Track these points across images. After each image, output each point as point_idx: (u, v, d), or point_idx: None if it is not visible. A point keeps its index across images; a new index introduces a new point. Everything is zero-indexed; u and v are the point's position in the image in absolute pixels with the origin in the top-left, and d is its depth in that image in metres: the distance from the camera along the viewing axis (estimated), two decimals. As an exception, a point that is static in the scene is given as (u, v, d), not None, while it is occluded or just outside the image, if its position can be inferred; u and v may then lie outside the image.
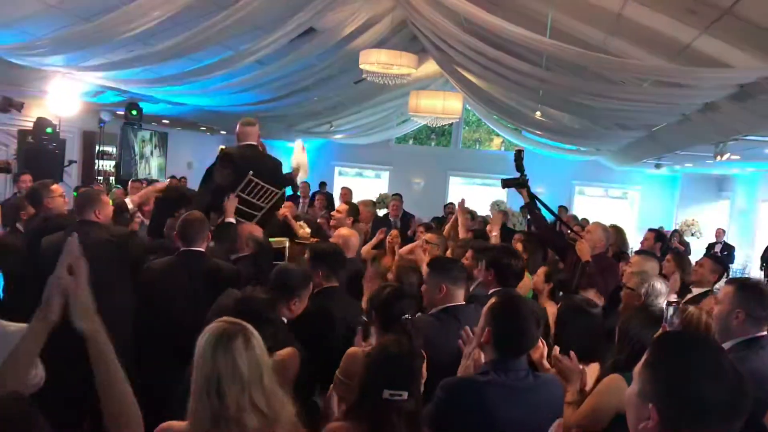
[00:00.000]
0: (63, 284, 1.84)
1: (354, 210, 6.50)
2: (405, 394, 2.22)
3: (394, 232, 6.33)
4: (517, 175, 5.15)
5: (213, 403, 1.87)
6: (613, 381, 2.65)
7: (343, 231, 4.97)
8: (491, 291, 3.75)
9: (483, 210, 11.65)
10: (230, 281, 3.75)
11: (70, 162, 10.64)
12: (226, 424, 1.86)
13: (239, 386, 1.87)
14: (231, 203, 4.74)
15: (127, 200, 5.44)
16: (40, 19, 6.78)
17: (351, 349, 2.96)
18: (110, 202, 4.53)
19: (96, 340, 1.79)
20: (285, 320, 3.28)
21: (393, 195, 10.57)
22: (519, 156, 5.14)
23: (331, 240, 4.83)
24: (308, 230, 5.78)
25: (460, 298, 3.39)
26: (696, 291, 5.00)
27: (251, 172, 4.85)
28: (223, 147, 5.37)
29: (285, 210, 5.24)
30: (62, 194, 5.20)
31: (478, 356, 2.70)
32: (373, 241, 5.88)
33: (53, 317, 1.84)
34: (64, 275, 1.86)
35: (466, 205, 6.65)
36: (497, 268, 3.80)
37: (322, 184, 14.28)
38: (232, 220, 4.71)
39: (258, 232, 4.56)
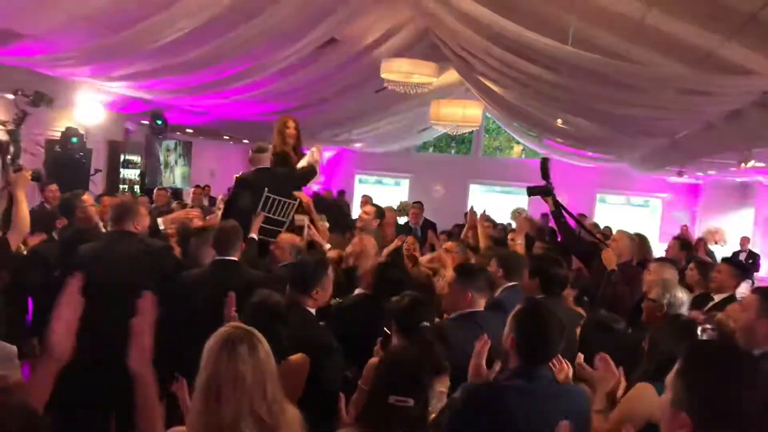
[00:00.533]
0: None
1: (381, 212, 6.53)
2: (411, 401, 2.23)
3: (410, 238, 6.36)
4: (543, 183, 5.15)
5: (211, 407, 1.86)
6: (642, 389, 2.65)
7: (362, 238, 5.01)
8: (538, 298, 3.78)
9: (504, 218, 11.64)
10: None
11: (96, 171, 10.79)
12: (220, 431, 1.85)
13: (240, 392, 1.86)
14: (256, 221, 4.94)
15: (159, 221, 5.51)
16: (69, 31, 6.91)
17: (372, 359, 2.98)
18: (147, 214, 4.62)
19: (145, 385, 1.90)
20: (312, 311, 3.35)
21: (413, 203, 10.59)
22: (545, 164, 5.15)
23: (349, 247, 4.86)
24: (326, 224, 5.83)
25: (481, 305, 3.46)
26: (718, 297, 4.96)
27: (266, 189, 5.08)
28: (238, 175, 5.57)
29: (305, 198, 5.41)
30: (93, 204, 5.31)
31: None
32: (391, 247, 5.89)
33: (60, 356, 1.88)
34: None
35: (487, 213, 6.64)
36: (542, 276, 3.82)
37: (341, 193, 14.35)
38: (255, 236, 4.87)
39: (297, 240, 4.74)
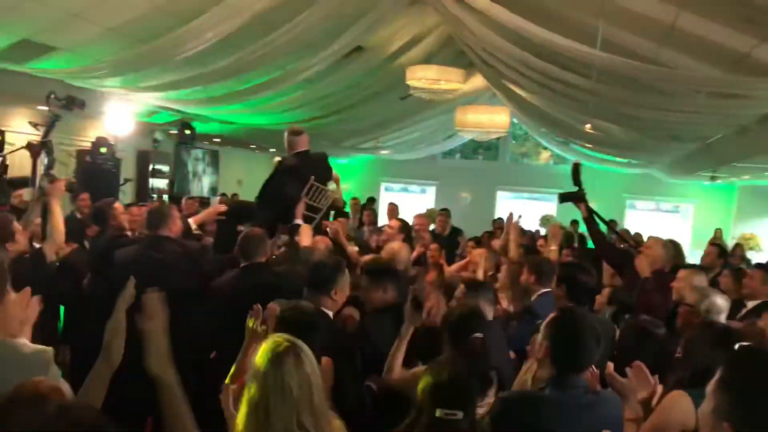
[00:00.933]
0: (121, 328, 1.93)
1: (405, 227, 6.47)
2: (459, 414, 2.19)
3: (434, 246, 6.30)
4: (574, 188, 5.08)
5: (260, 421, 1.86)
6: (676, 398, 2.58)
7: (394, 245, 4.97)
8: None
9: (532, 225, 11.55)
10: (293, 293, 3.82)
11: (126, 180, 10.95)
12: None
13: (288, 406, 1.85)
14: (300, 207, 4.92)
15: (190, 221, 5.56)
16: (100, 43, 7.03)
17: (417, 369, 2.94)
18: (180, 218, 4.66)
19: (168, 387, 1.89)
20: (330, 313, 3.36)
21: (440, 210, 10.54)
22: (576, 169, 5.07)
23: (382, 254, 4.83)
24: (356, 248, 5.79)
25: (490, 315, 3.52)
26: (751, 304, 4.85)
27: (312, 177, 5.03)
28: (279, 159, 5.45)
29: (337, 226, 5.32)
30: (123, 212, 5.38)
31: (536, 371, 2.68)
32: (413, 255, 5.82)
33: (115, 360, 1.95)
34: (122, 319, 1.94)
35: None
36: (569, 284, 3.77)
37: (371, 200, 14.34)
38: (300, 221, 4.85)
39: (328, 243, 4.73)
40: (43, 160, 4.54)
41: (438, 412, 2.18)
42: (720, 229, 14.15)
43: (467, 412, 2.21)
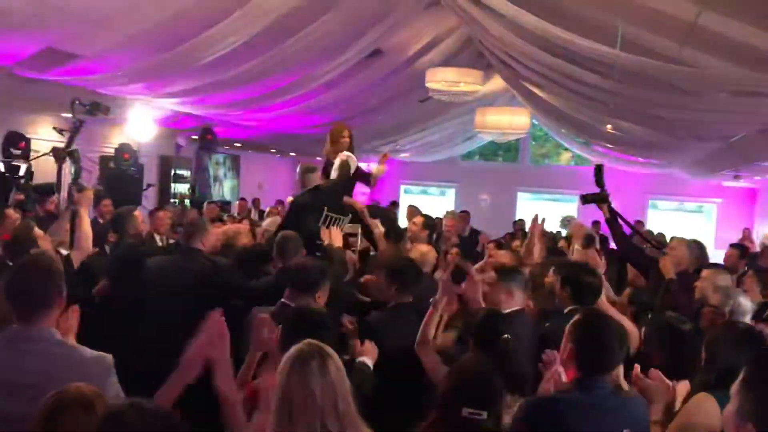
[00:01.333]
0: (205, 353, 2.06)
1: (429, 223, 6.48)
2: (484, 414, 2.20)
3: (454, 249, 6.30)
4: (596, 190, 5.04)
5: (284, 426, 1.86)
6: (701, 400, 2.56)
7: (423, 247, 4.97)
8: (568, 309, 3.71)
9: (553, 226, 11.49)
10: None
11: (149, 186, 11.08)
12: None
13: (311, 411, 1.85)
14: (325, 234, 4.97)
15: None
16: (122, 50, 7.12)
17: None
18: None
19: (232, 403, 2.01)
20: None
21: (460, 212, 10.54)
22: (599, 171, 5.03)
23: (410, 254, 4.82)
24: (382, 229, 5.80)
25: (521, 302, 3.68)
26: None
27: (326, 207, 5.18)
28: (291, 198, 5.60)
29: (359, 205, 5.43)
30: (143, 221, 5.47)
31: (558, 378, 2.67)
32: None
33: (192, 377, 2.06)
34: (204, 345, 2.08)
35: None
36: (573, 285, 3.76)
37: (393, 204, 14.31)
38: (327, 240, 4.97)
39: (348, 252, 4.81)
40: (70, 168, 4.62)
41: (463, 412, 2.19)
42: (748, 229, 13.96)
43: (492, 411, 2.22)
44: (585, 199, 5.16)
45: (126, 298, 3.98)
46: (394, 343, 3.46)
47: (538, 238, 5.79)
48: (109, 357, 2.30)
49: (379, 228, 5.72)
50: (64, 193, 4.61)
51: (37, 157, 7.13)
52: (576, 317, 2.57)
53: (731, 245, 7.63)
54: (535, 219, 5.91)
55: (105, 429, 1.52)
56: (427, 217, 6.57)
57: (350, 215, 5.49)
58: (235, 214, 9.90)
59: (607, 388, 2.45)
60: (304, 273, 3.47)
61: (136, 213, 5.60)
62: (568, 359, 2.46)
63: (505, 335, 2.87)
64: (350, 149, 5.82)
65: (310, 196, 5.32)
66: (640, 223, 12.72)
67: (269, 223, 6.61)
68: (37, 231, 3.99)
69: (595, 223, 11.37)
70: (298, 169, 5.57)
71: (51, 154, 4.87)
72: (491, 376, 2.32)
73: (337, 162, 5.70)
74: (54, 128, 5.54)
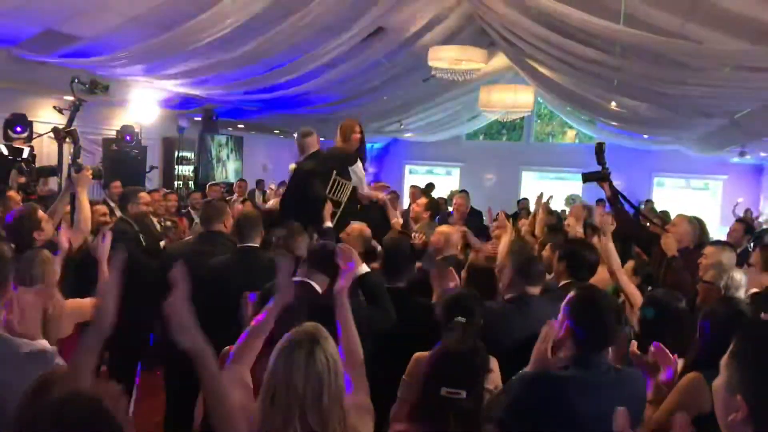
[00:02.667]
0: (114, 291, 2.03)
1: (432, 204, 6.48)
2: (463, 393, 2.20)
3: (463, 228, 6.29)
4: (598, 168, 5.02)
5: (266, 408, 1.85)
6: (692, 381, 2.54)
7: (445, 228, 4.93)
8: (562, 283, 3.72)
9: (557, 205, 11.44)
10: None
11: (152, 168, 11.08)
12: None
13: (292, 398, 1.82)
14: (328, 208, 4.95)
15: None
16: (122, 32, 7.09)
17: (417, 353, 2.93)
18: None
19: (200, 355, 1.89)
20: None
21: (459, 191, 10.52)
22: (600, 149, 5.00)
23: (432, 237, 4.78)
24: (401, 220, 5.83)
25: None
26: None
27: (335, 172, 5.14)
28: (293, 165, 5.51)
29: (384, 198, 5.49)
30: (148, 202, 5.48)
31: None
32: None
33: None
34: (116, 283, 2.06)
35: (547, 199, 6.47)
36: (570, 260, 3.76)
37: (430, 186, 13.88)
38: (329, 224, 4.90)
39: (367, 232, 4.69)
40: (70, 148, 4.62)
41: (442, 391, 2.19)
42: (750, 209, 13.87)
43: (472, 390, 2.22)
44: (585, 177, 5.14)
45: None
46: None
47: (540, 215, 5.78)
48: (51, 350, 2.31)
49: (398, 219, 5.73)
50: (64, 174, 4.61)
51: (38, 136, 7.14)
52: (571, 294, 2.55)
53: (737, 220, 7.62)
54: (540, 196, 5.89)
55: (37, 422, 1.48)
56: (431, 199, 6.57)
57: (352, 179, 5.43)
58: (234, 196, 9.86)
59: (604, 365, 2.45)
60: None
61: (142, 194, 5.61)
62: (565, 336, 2.45)
63: (458, 318, 2.81)
64: (362, 144, 5.75)
65: (314, 162, 5.22)
66: (649, 201, 12.67)
67: (272, 204, 6.61)
68: (41, 214, 3.97)
69: (600, 202, 11.34)
70: (295, 135, 5.47)
71: (52, 133, 4.87)
72: (471, 355, 2.31)
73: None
74: (54, 107, 5.53)
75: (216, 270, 3.99)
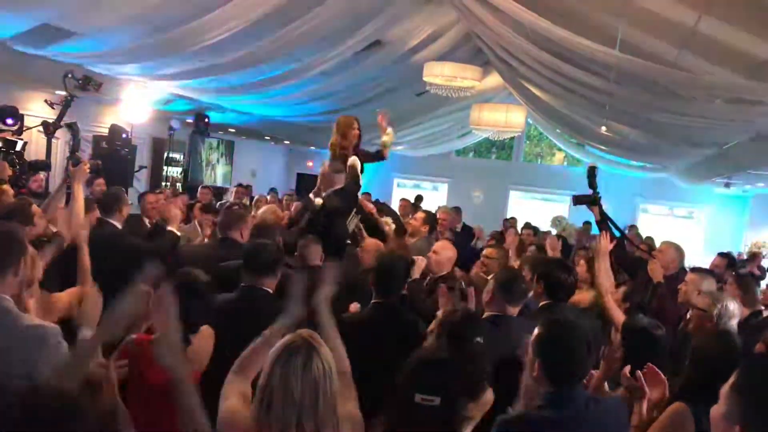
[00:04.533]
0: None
1: (431, 218, 6.50)
2: (437, 400, 2.18)
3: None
4: (587, 191, 5.05)
5: (261, 414, 1.85)
6: (677, 411, 2.52)
7: (441, 243, 4.99)
8: (542, 303, 3.73)
9: (544, 225, 11.51)
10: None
11: (141, 167, 11.01)
12: None
13: (288, 405, 1.82)
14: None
15: None
16: (118, 30, 7.05)
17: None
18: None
19: (178, 379, 1.94)
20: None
21: (452, 208, 10.53)
22: (592, 173, 5.03)
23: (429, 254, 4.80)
24: (393, 226, 5.89)
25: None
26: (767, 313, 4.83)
27: (354, 210, 5.50)
28: (317, 199, 5.52)
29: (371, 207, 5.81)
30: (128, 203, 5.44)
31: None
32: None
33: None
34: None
35: (528, 220, 6.61)
36: (547, 281, 3.77)
37: (419, 198, 14.02)
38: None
39: (381, 247, 4.94)
40: (68, 140, 4.57)
41: (416, 397, 2.18)
42: (731, 251, 13.94)
43: (445, 398, 2.20)
44: (577, 200, 5.17)
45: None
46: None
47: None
48: (52, 328, 2.32)
49: (390, 226, 5.80)
50: (54, 170, 4.57)
51: (28, 129, 7.07)
52: (538, 331, 2.42)
53: (719, 254, 7.67)
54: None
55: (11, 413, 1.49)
56: (428, 213, 6.62)
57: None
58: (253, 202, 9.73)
59: (580, 399, 2.35)
60: (252, 253, 3.51)
61: (149, 195, 5.59)
62: (538, 374, 2.33)
63: (478, 339, 2.75)
64: (359, 140, 5.82)
65: (338, 200, 5.41)
66: (634, 227, 12.76)
67: (264, 211, 6.56)
68: (35, 208, 3.94)
69: (587, 224, 11.43)
70: (326, 167, 5.60)
71: (41, 127, 4.82)
72: (445, 363, 2.29)
73: (349, 161, 5.68)
74: (45, 101, 5.50)
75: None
